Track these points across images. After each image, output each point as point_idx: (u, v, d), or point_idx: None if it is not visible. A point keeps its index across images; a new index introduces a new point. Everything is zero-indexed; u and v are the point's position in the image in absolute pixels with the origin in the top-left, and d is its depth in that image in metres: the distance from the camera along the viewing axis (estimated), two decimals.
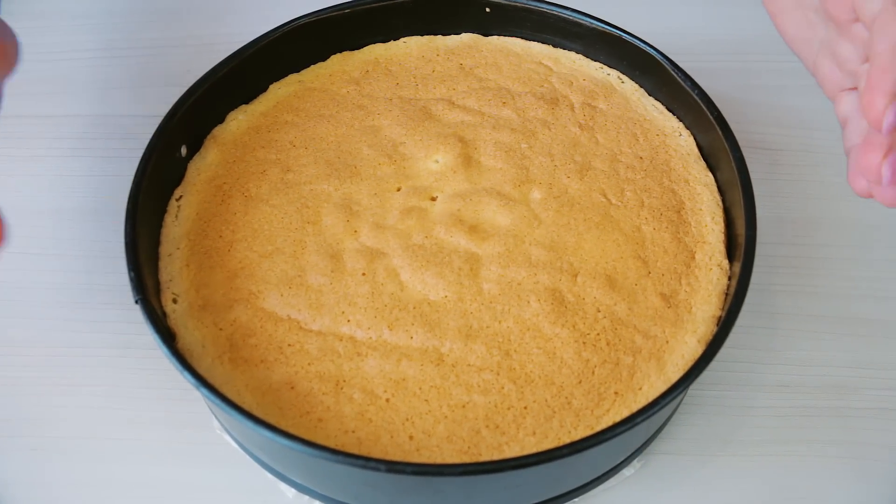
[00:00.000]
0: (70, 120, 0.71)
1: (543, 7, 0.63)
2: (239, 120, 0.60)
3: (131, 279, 0.48)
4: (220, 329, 0.51)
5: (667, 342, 0.50)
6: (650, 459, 0.54)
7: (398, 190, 0.56)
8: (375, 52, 0.65)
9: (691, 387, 0.56)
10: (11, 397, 0.56)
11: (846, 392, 0.57)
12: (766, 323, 0.59)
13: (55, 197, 0.66)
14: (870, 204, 0.65)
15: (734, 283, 0.51)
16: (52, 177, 0.68)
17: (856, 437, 0.55)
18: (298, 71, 0.64)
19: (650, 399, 0.47)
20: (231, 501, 0.52)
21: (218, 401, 0.44)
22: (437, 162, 0.58)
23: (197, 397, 0.56)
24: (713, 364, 0.46)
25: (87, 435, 0.55)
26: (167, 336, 0.47)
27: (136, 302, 0.48)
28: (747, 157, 0.54)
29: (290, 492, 0.52)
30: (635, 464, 0.53)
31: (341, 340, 0.50)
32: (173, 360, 0.46)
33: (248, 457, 0.53)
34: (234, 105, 0.61)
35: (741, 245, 0.51)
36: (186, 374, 0.45)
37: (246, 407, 0.47)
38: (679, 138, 0.59)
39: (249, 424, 0.43)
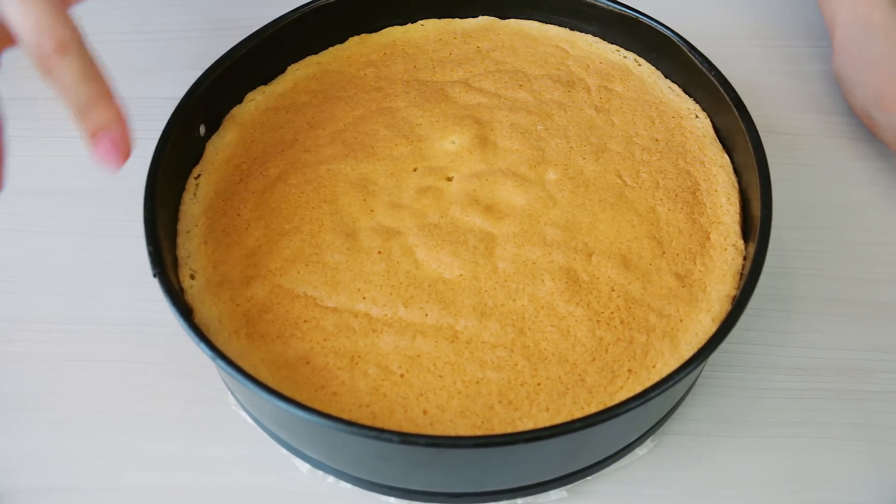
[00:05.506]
0: None
1: None
2: (257, 100, 0.61)
3: (150, 253, 0.48)
4: (237, 305, 0.51)
5: (681, 321, 0.50)
6: (663, 439, 0.54)
7: (414, 170, 0.57)
8: (393, 34, 0.65)
9: (706, 368, 0.56)
10: (31, 372, 0.57)
11: (861, 375, 0.56)
12: (781, 306, 0.59)
13: (74, 177, 0.67)
14: (887, 189, 0.65)
15: (749, 262, 0.50)
16: (71, 157, 0.68)
17: (871, 420, 0.55)
18: (316, 53, 0.64)
19: (664, 376, 0.47)
20: (246, 476, 0.53)
21: (235, 373, 0.44)
22: (453, 143, 0.58)
23: (212, 374, 0.56)
24: (728, 346, 0.46)
25: (103, 409, 0.55)
26: (185, 310, 0.48)
27: (155, 275, 0.48)
28: (764, 140, 0.54)
29: (305, 467, 0.52)
30: (648, 443, 0.53)
31: (357, 317, 0.50)
32: (191, 333, 0.46)
33: (262, 432, 0.53)
34: (252, 86, 0.61)
35: (756, 226, 0.51)
36: (204, 346, 0.45)
37: (262, 381, 0.47)
38: (695, 120, 0.59)
39: (266, 397, 0.43)
